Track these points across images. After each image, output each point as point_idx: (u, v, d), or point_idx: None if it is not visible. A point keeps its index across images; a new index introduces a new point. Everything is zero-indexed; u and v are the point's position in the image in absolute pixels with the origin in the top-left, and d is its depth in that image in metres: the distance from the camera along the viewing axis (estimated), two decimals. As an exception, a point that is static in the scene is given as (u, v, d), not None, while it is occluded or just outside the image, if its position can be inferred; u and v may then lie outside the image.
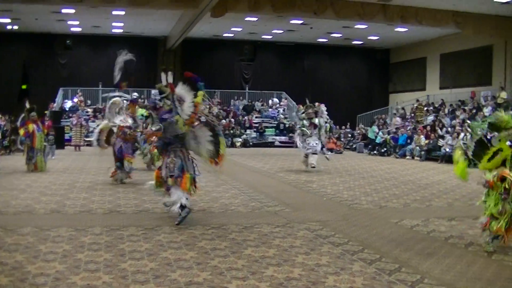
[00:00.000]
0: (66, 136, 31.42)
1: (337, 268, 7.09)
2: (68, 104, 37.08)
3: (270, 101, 41.58)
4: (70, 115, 33.92)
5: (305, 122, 20.05)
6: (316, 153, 19.63)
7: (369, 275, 6.81)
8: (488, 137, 9.00)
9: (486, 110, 28.84)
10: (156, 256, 7.53)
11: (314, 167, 19.34)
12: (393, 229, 9.93)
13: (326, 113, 20.37)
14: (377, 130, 33.46)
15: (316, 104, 20.37)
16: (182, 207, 9.67)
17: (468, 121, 28.04)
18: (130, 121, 15.55)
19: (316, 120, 19.95)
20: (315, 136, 19.69)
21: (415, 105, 35.91)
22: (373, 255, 7.81)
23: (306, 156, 19.81)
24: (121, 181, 15.42)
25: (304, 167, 19.79)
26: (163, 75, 11.26)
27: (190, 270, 6.86)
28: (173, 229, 9.36)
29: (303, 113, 20.22)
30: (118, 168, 15.48)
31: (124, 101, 16.13)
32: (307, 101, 20.78)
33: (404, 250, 8.21)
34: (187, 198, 9.84)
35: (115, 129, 15.65)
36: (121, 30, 38.04)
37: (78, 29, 37.21)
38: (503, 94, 30.07)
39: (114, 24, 36.15)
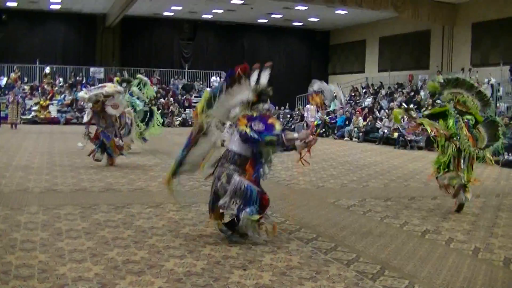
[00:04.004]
0: (2, 114, 30.74)
1: (274, 247, 7.15)
2: (4, 81, 36.20)
3: (212, 78, 41.33)
4: (6, 92, 33.18)
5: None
6: None
7: (305, 254, 6.90)
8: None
9: (423, 93, 29.36)
10: (93, 235, 7.49)
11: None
12: (329, 208, 10.07)
13: None
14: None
15: None
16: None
17: (404, 104, 28.59)
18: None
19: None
20: None
21: (352, 92, 36.43)
22: (310, 234, 7.91)
23: None
24: (96, 160, 14.36)
25: None
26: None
27: (128, 249, 6.84)
28: (111, 207, 9.31)
29: None
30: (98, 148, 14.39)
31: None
32: None
33: (340, 229, 8.34)
34: None
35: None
36: (59, 6, 37.18)
37: (14, 4, 36.15)
38: (440, 78, 30.48)
39: (51, -1, 35.28)
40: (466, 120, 9.93)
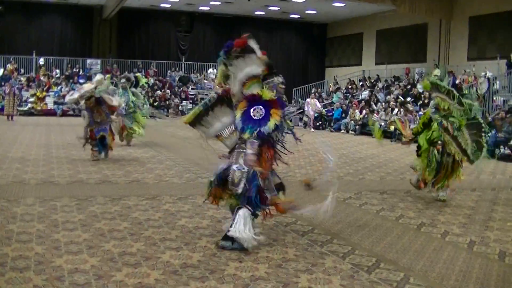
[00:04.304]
0: (-2, 105, 30.72)
1: (270, 239, 7.17)
2: (0, 72, 36.11)
3: (209, 70, 41.29)
4: (3, 83, 33.11)
5: None
6: None
7: (301, 246, 6.93)
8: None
9: (419, 87, 29.38)
10: (89, 227, 7.50)
11: None
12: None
13: None
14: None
15: None
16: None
17: (401, 98, 28.65)
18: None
19: None
20: None
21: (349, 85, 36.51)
22: (306, 227, 7.94)
23: None
24: (95, 159, 14.04)
25: None
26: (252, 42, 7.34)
27: (124, 241, 6.86)
28: (107, 199, 9.32)
29: None
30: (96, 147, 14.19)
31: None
32: None
33: (336, 222, 8.36)
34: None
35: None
36: (56, -2, 37.00)
37: (11, -5, 35.95)
38: (437, 72, 30.61)
39: (49, -9, 35.14)
40: (450, 122, 9.96)
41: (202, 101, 9.03)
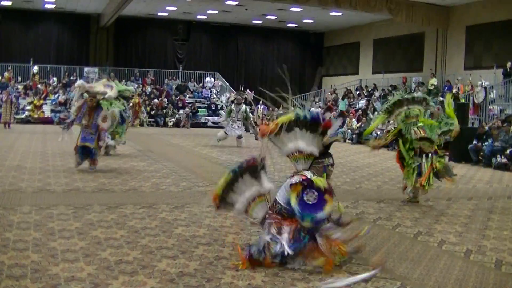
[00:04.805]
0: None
1: (266, 248, 7.17)
2: (-3, 80, 36.10)
3: (207, 79, 41.40)
4: (0, 91, 33.11)
5: (233, 107, 22.45)
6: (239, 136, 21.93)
7: (297, 255, 6.92)
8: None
9: (416, 95, 29.39)
10: (86, 235, 7.48)
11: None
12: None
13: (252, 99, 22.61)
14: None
15: (247, 91, 22.53)
16: None
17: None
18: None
19: (243, 107, 22.36)
20: (238, 121, 22.09)
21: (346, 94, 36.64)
22: (302, 236, 7.93)
23: (240, 137, 21.89)
24: (78, 164, 13.78)
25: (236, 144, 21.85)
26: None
27: (120, 249, 6.85)
28: (103, 208, 9.30)
29: (234, 99, 22.31)
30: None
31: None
32: (241, 88, 23.92)
33: (332, 230, 8.34)
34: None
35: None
36: (53, 6, 37.00)
37: (8, 3, 35.97)
38: (433, 81, 30.77)
39: (46, -1, 35.15)
40: (421, 125, 10.98)
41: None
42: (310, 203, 6.41)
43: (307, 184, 6.47)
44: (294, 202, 6.43)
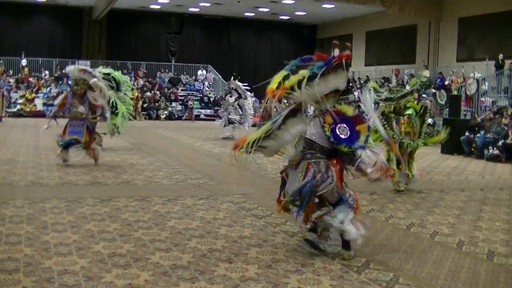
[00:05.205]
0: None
1: (259, 240, 7.19)
2: (-11, 73, 35.92)
3: (199, 71, 41.39)
4: (-9, 85, 33.00)
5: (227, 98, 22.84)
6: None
7: (291, 247, 6.94)
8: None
9: (408, 88, 29.43)
10: (79, 228, 7.48)
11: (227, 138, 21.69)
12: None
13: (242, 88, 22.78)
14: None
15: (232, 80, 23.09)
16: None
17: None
18: None
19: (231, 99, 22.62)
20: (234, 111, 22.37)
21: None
22: (295, 228, 7.91)
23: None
24: (64, 160, 13.52)
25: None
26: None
27: (114, 242, 6.85)
28: (96, 201, 9.29)
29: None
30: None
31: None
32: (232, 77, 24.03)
33: (325, 223, 8.35)
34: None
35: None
36: (45, -1, 36.85)
37: (0, -4, 35.74)
38: (426, 73, 30.79)
39: (38, -8, 35.00)
40: (407, 115, 11.60)
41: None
42: (343, 137, 6.48)
43: (338, 116, 6.57)
44: (328, 133, 6.51)
